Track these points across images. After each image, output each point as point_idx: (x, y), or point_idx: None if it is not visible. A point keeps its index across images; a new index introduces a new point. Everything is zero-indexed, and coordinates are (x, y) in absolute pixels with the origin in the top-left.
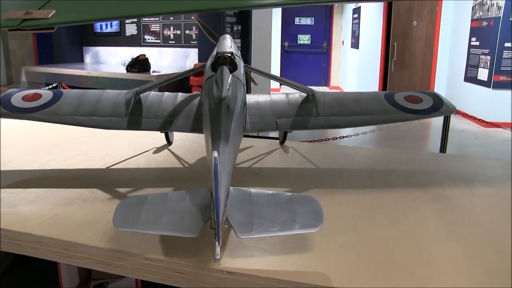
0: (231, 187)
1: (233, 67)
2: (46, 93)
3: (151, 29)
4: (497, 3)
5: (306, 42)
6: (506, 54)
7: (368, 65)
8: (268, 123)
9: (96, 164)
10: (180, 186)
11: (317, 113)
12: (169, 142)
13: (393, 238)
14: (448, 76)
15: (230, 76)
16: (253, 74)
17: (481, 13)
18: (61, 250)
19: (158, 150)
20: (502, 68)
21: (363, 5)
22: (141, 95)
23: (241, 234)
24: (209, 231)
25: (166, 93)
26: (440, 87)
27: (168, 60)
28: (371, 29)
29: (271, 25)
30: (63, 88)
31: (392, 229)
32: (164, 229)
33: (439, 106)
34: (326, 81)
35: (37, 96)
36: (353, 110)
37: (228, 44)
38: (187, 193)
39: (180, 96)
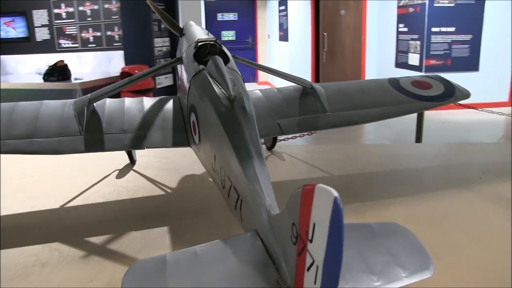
0: None
1: (224, 58)
2: None
3: (67, 32)
4: None
5: (230, 38)
6: (434, 38)
7: (299, 57)
8: (270, 126)
9: (43, 203)
10: (183, 224)
11: (324, 109)
12: (133, 161)
13: None
14: (378, 63)
15: (226, 69)
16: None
17: (407, 0)
18: None
19: (121, 173)
20: (432, 53)
21: None
22: (95, 104)
23: None
24: None
25: (127, 99)
26: (371, 74)
27: (89, 66)
28: (300, 20)
29: (201, 22)
30: None
31: None
32: None
33: (452, 91)
34: (254, 77)
35: None
36: (364, 103)
37: (205, 31)
38: (225, 245)
39: (147, 101)
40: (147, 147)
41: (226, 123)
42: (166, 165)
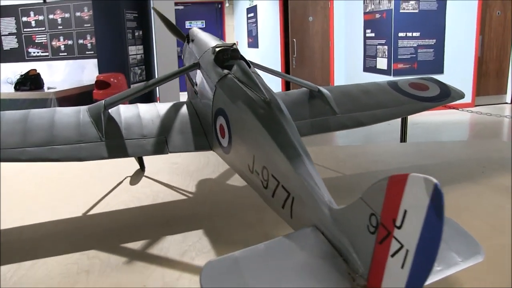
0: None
1: (245, 62)
2: None
3: (36, 41)
4: None
5: None
6: (401, 43)
7: (269, 63)
8: None
9: (62, 212)
10: (214, 226)
11: (334, 111)
12: (143, 167)
13: None
14: (346, 67)
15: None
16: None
17: (372, 6)
18: None
19: (134, 179)
20: (399, 57)
21: (259, 3)
22: (109, 110)
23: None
24: None
25: (140, 104)
26: (339, 79)
27: (60, 75)
28: (270, 27)
29: None
30: None
31: None
32: None
33: (448, 92)
34: None
35: None
36: (368, 104)
37: (215, 37)
38: (289, 240)
39: (160, 106)
40: (170, 152)
41: (266, 124)
42: (177, 171)
